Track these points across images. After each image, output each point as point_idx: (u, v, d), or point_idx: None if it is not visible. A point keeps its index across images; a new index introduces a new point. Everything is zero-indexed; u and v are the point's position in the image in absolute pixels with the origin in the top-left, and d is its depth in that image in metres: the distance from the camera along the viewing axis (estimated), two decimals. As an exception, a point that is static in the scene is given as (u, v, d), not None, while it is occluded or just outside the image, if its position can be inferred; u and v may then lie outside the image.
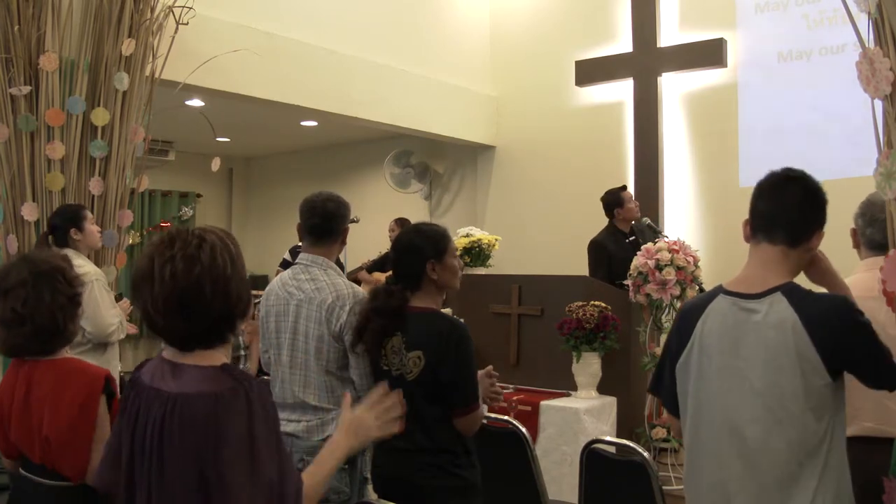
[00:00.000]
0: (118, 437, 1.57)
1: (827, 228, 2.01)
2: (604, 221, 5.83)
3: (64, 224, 3.76)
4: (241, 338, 3.01)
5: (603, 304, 4.50)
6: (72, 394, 2.09)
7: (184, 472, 1.45)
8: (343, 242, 2.83)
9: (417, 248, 2.43)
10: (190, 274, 1.45)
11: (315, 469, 1.65)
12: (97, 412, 2.10)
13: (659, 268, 4.52)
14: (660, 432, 4.57)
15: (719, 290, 1.96)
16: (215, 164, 5.52)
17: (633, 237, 5.33)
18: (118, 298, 4.04)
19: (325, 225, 2.74)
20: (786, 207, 1.92)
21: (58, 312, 2.12)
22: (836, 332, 1.78)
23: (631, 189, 6.21)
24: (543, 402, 4.43)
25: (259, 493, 1.45)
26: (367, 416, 1.74)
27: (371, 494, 2.52)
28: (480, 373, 2.49)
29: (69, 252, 3.69)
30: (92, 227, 3.85)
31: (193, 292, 1.45)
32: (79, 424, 2.08)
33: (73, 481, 2.10)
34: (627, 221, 5.45)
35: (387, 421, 1.76)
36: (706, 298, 1.98)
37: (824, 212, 1.94)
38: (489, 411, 2.84)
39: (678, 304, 4.59)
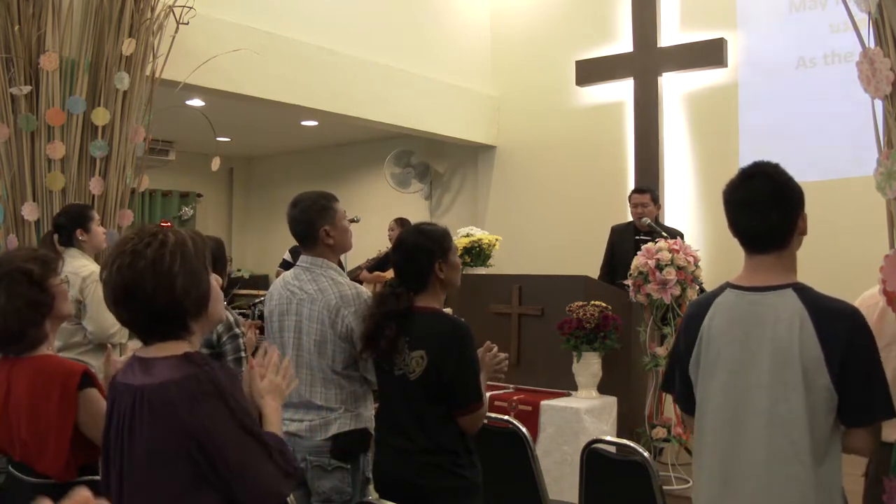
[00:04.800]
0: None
1: (828, 228, 2.01)
2: (605, 220, 5.87)
3: (70, 224, 3.74)
4: (241, 340, 2.99)
5: (603, 304, 4.50)
6: (47, 393, 2.07)
7: (157, 460, 1.51)
8: (331, 243, 2.71)
9: (425, 249, 2.43)
10: (133, 269, 1.53)
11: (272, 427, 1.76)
12: (75, 409, 2.07)
13: (659, 268, 4.52)
14: (660, 432, 4.57)
15: (726, 286, 1.96)
16: (215, 164, 5.52)
17: (648, 237, 5.28)
18: None
19: (302, 233, 2.73)
20: (760, 222, 1.88)
21: (11, 317, 2.07)
22: (842, 331, 1.77)
23: (629, 187, 6.22)
24: (544, 402, 4.43)
25: (262, 455, 1.56)
26: (277, 379, 1.86)
27: (373, 494, 2.52)
28: (479, 351, 2.48)
29: (74, 252, 3.69)
30: (98, 229, 3.84)
31: (134, 286, 1.53)
32: (55, 423, 2.05)
33: (53, 478, 2.07)
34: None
35: (290, 378, 1.90)
36: (711, 296, 1.98)
37: (797, 200, 1.89)
38: (490, 410, 2.84)
39: (679, 305, 4.59)
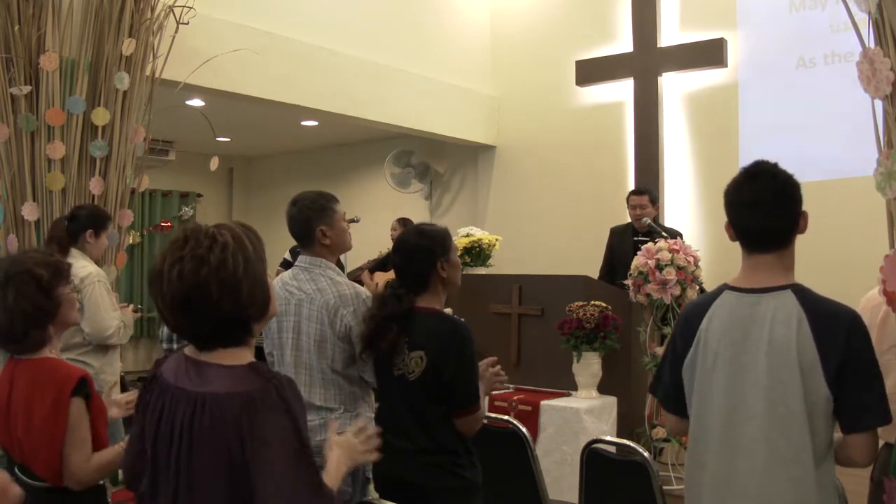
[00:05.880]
0: (141, 434, 1.57)
1: (828, 229, 2.00)
2: (605, 220, 5.87)
3: (86, 222, 3.74)
4: None
5: (603, 304, 4.50)
6: (42, 395, 2.06)
7: (216, 472, 1.45)
8: (327, 243, 2.72)
9: (427, 249, 2.43)
10: (196, 275, 1.44)
11: (329, 479, 1.67)
12: (67, 414, 2.05)
13: (659, 268, 4.52)
14: (660, 432, 4.57)
15: (724, 288, 1.95)
16: (213, 164, 5.52)
17: (646, 238, 5.27)
18: (135, 310, 4.03)
19: (299, 232, 2.73)
20: (764, 221, 1.88)
21: (17, 318, 2.07)
22: (839, 334, 1.76)
23: (629, 187, 6.23)
24: (544, 402, 4.43)
25: (311, 482, 1.47)
26: (356, 442, 1.81)
27: (373, 494, 2.51)
28: (482, 364, 2.49)
29: (75, 252, 3.69)
30: (105, 240, 3.85)
31: (199, 293, 1.45)
32: (48, 427, 2.04)
33: (48, 482, 2.06)
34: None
35: (369, 449, 1.83)
36: (709, 297, 1.97)
37: (799, 198, 1.90)
38: (490, 410, 2.84)
39: (679, 304, 4.59)
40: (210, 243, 1.47)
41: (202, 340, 1.52)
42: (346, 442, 1.79)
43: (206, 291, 1.44)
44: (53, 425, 2.05)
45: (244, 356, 1.52)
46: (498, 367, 2.56)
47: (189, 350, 1.55)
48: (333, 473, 1.70)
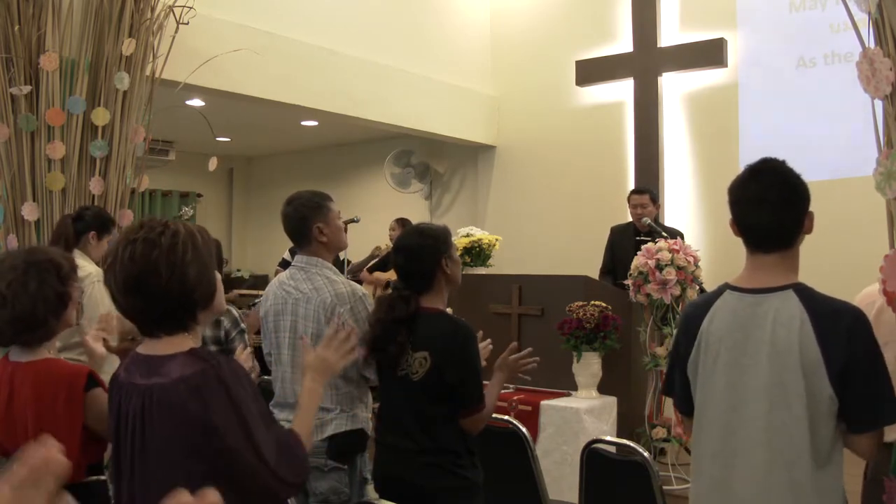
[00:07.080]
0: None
1: (828, 228, 1.98)
2: (605, 220, 5.87)
3: (92, 223, 3.72)
4: (246, 336, 3.05)
5: (603, 304, 4.50)
6: (52, 397, 2.06)
7: (169, 459, 1.51)
8: (324, 240, 2.72)
9: (430, 247, 2.43)
10: (147, 257, 1.53)
11: (302, 415, 1.79)
12: (83, 411, 2.06)
13: (659, 268, 4.52)
14: (660, 432, 4.57)
15: (725, 288, 1.93)
16: (212, 164, 5.52)
17: (648, 238, 5.27)
18: None
19: (295, 231, 2.73)
20: (770, 220, 1.84)
21: (40, 303, 2.07)
22: (842, 333, 1.73)
23: (629, 187, 6.23)
24: (544, 402, 4.43)
25: (258, 450, 1.54)
26: (327, 353, 1.90)
27: (372, 494, 2.51)
28: (503, 355, 2.51)
29: (76, 252, 3.69)
30: (105, 244, 3.85)
31: (149, 274, 1.53)
32: (63, 427, 2.03)
33: (68, 480, 2.07)
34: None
35: (345, 351, 1.93)
36: (711, 297, 1.95)
37: (806, 197, 1.86)
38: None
39: (679, 304, 4.59)
40: (162, 229, 1.56)
41: (151, 324, 1.60)
42: (317, 361, 1.88)
43: (155, 273, 1.53)
44: (69, 424, 2.05)
45: (186, 343, 1.60)
46: (526, 350, 2.55)
47: (141, 348, 1.64)
48: (305, 405, 1.80)
